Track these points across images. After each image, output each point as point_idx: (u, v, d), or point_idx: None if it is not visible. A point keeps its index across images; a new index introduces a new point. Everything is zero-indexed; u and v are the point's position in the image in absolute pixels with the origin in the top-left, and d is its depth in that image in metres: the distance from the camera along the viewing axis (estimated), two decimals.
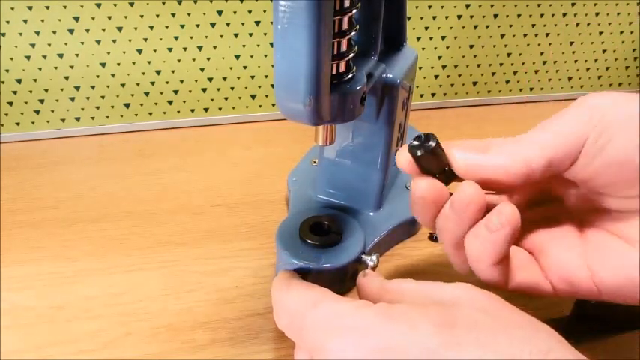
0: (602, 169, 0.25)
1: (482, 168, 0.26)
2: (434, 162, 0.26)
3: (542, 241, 0.29)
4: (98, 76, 0.54)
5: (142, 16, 0.51)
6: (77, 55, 0.52)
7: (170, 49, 0.54)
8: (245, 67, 0.57)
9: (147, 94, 0.56)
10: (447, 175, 0.27)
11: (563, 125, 0.26)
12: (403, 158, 0.27)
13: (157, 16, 0.52)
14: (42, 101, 0.54)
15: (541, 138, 0.26)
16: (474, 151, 0.26)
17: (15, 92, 0.53)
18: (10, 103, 0.54)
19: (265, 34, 0.55)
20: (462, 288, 0.24)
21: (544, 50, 0.63)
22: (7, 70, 0.52)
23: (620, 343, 0.33)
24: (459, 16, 0.58)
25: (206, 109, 0.59)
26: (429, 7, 0.57)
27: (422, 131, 0.27)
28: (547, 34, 0.62)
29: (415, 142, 0.26)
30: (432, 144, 0.26)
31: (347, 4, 0.27)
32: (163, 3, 0.51)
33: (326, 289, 0.27)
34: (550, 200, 0.30)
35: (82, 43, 0.52)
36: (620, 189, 0.25)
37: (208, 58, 0.55)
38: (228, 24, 0.54)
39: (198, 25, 0.53)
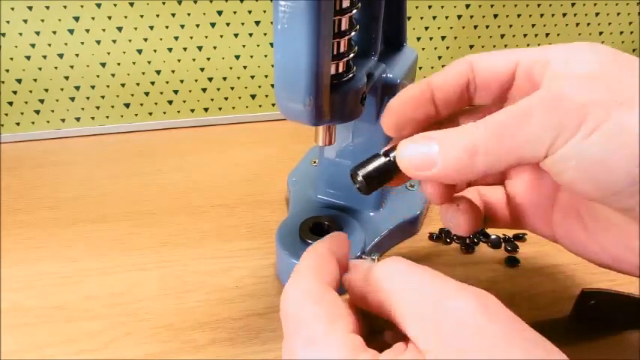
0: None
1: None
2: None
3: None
4: (98, 76, 0.54)
5: (141, 16, 0.51)
6: (77, 55, 0.52)
7: (170, 49, 0.54)
8: (245, 67, 0.57)
9: (147, 94, 0.56)
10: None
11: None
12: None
13: (157, 16, 0.52)
14: (42, 101, 0.54)
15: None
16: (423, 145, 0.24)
17: (15, 92, 0.53)
18: (10, 103, 0.54)
19: (265, 34, 0.55)
20: (469, 294, 0.20)
21: None
22: (7, 70, 0.52)
23: (620, 343, 0.33)
24: (459, 16, 0.58)
25: (206, 109, 0.59)
26: (429, 7, 0.57)
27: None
28: (547, 34, 0.62)
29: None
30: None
31: (347, 4, 0.27)
32: (163, 3, 0.51)
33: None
34: None
35: (82, 43, 0.52)
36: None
37: (208, 58, 0.55)
38: (228, 24, 0.54)
39: (198, 25, 0.53)
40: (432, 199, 0.27)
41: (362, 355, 0.20)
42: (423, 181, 0.26)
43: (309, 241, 0.36)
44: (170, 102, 0.57)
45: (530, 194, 0.28)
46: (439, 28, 0.59)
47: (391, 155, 0.25)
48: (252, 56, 0.56)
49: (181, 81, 0.56)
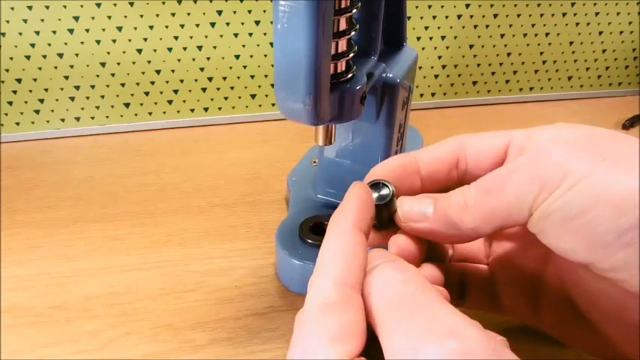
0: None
1: (421, 232, 0.25)
2: (387, 211, 0.25)
3: None
4: (98, 76, 0.54)
5: (141, 16, 0.51)
6: (77, 55, 0.52)
7: (170, 49, 0.54)
8: (245, 67, 0.57)
9: (147, 94, 0.56)
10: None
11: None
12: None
13: (157, 16, 0.52)
14: (42, 101, 0.54)
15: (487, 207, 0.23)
16: (422, 206, 0.24)
17: (15, 92, 0.53)
18: (10, 103, 0.54)
19: (265, 34, 0.55)
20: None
21: (544, 50, 0.63)
22: (7, 70, 0.52)
23: None
24: (459, 16, 0.58)
25: (206, 109, 0.59)
26: (429, 7, 0.57)
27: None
28: (547, 34, 0.62)
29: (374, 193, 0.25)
30: (388, 192, 0.25)
31: (347, 4, 0.27)
32: (163, 3, 0.51)
33: None
34: None
35: (82, 43, 0.52)
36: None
37: (208, 58, 0.55)
38: (228, 24, 0.54)
39: (198, 25, 0.53)
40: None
41: None
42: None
43: (309, 241, 0.36)
44: (170, 102, 0.57)
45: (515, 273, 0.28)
46: (439, 28, 0.59)
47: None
48: (252, 56, 0.56)
49: (181, 81, 0.56)
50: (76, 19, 0.50)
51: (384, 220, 0.25)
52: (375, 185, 0.25)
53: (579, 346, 0.27)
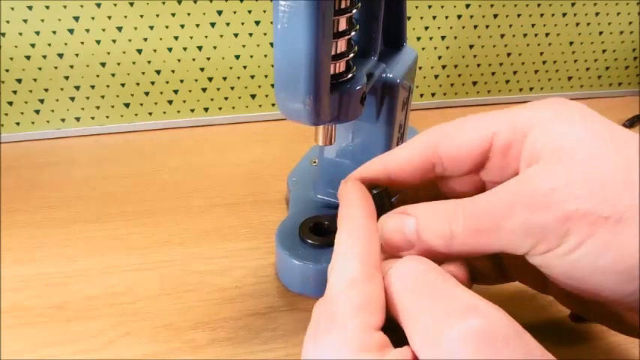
0: None
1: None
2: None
3: None
4: (98, 76, 0.54)
5: (141, 16, 0.51)
6: (77, 55, 0.52)
7: (170, 49, 0.54)
8: (245, 67, 0.57)
9: (147, 94, 0.56)
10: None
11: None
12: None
13: (157, 16, 0.52)
14: (42, 101, 0.54)
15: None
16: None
17: (15, 92, 0.53)
18: (10, 103, 0.54)
19: (265, 34, 0.55)
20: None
21: (544, 50, 0.63)
22: (7, 70, 0.52)
23: (620, 343, 0.33)
24: (459, 16, 0.58)
25: (206, 109, 0.59)
26: (429, 7, 0.57)
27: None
28: (547, 34, 0.62)
29: None
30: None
31: (347, 4, 0.27)
32: (163, 3, 0.51)
33: None
34: None
35: (82, 43, 0.52)
36: None
37: (208, 58, 0.55)
38: (228, 24, 0.54)
39: (198, 25, 0.53)
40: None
41: (364, 355, 0.19)
42: None
43: (309, 241, 0.36)
44: (170, 102, 0.57)
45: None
46: (439, 28, 0.59)
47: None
48: (252, 56, 0.56)
49: (181, 81, 0.56)
50: (76, 19, 0.50)
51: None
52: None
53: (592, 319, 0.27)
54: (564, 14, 0.60)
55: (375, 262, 0.22)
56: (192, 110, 0.58)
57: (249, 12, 0.53)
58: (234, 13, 0.53)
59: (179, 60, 0.55)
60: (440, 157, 0.24)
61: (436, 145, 0.24)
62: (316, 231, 0.37)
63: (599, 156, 0.20)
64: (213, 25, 0.53)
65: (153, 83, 0.56)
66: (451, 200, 0.22)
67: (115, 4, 0.50)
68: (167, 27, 0.53)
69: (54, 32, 0.51)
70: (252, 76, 0.58)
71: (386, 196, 0.25)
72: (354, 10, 0.27)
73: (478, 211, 0.21)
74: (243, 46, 0.55)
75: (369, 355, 0.19)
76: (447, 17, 0.58)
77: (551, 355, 0.18)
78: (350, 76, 0.29)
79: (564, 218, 0.19)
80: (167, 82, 0.56)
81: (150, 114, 0.57)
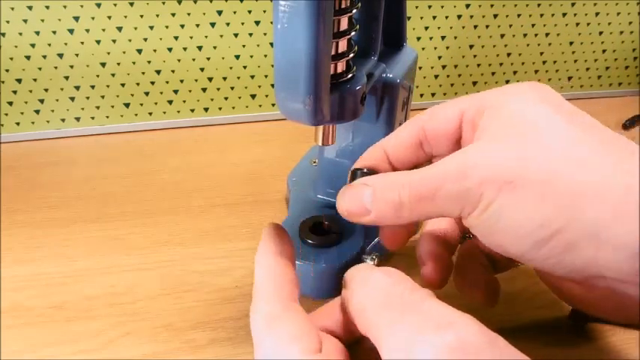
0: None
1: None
2: None
3: None
4: (98, 76, 0.54)
5: (141, 16, 0.51)
6: (77, 55, 0.52)
7: (170, 49, 0.54)
8: (245, 67, 0.57)
9: (147, 94, 0.56)
10: None
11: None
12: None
13: (157, 16, 0.52)
14: (42, 101, 0.54)
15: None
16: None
17: (15, 92, 0.53)
18: (10, 103, 0.54)
19: (265, 34, 0.55)
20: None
21: (544, 50, 0.63)
22: (7, 70, 0.52)
23: (620, 343, 0.33)
24: (459, 16, 0.58)
25: (206, 109, 0.59)
26: (429, 7, 0.57)
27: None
28: (547, 34, 0.62)
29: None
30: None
31: (347, 4, 0.27)
32: (163, 3, 0.51)
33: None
34: None
35: (82, 43, 0.52)
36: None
37: (208, 58, 0.55)
38: (228, 24, 0.54)
39: (198, 25, 0.53)
40: (385, 245, 0.29)
41: None
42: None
43: (309, 241, 0.36)
44: (170, 102, 0.57)
45: None
46: (439, 28, 0.59)
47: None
48: (252, 56, 0.56)
49: (181, 81, 0.56)
50: (76, 19, 0.50)
51: None
52: (354, 172, 0.28)
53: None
54: (564, 14, 0.60)
55: (289, 293, 0.23)
56: (192, 110, 0.58)
57: (249, 12, 0.53)
58: (234, 13, 0.53)
59: (179, 60, 0.55)
60: (425, 135, 0.27)
61: (423, 123, 0.27)
62: (316, 231, 0.37)
63: (526, 135, 0.22)
64: (213, 25, 0.53)
65: (153, 83, 0.56)
66: (403, 172, 0.25)
67: (115, 4, 0.50)
68: (167, 27, 0.53)
69: (54, 32, 0.51)
70: (252, 76, 0.58)
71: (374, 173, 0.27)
72: (354, 10, 0.27)
73: (420, 181, 0.24)
74: (243, 46, 0.55)
75: None
76: (447, 17, 0.58)
77: (526, 356, 0.18)
78: (350, 76, 0.29)
79: (479, 183, 0.22)
80: (167, 82, 0.56)
81: (150, 114, 0.57)
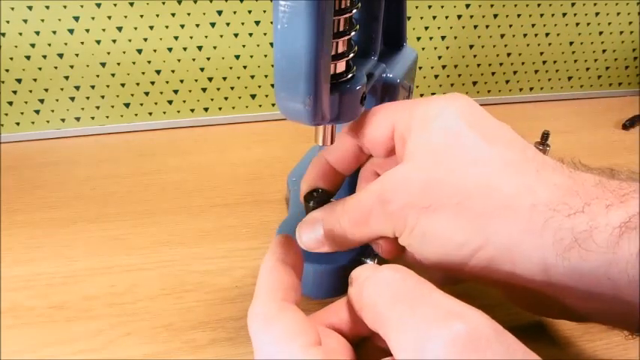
0: None
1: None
2: None
3: None
4: (98, 76, 0.54)
5: (141, 16, 0.52)
6: (77, 55, 0.52)
7: (170, 49, 0.54)
8: (245, 67, 0.57)
9: (147, 94, 0.56)
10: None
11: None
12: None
13: (157, 16, 0.52)
14: (42, 101, 0.54)
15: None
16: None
17: (15, 92, 0.53)
18: (10, 103, 0.54)
19: (265, 34, 0.55)
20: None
21: (544, 50, 0.63)
22: (7, 70, 0.52)
23: (620, 343, 0.33)
24: (459, 16, 0.58)
25: (206, 109, 0.59)
26: (429, 7, 0.57)
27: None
28: (547, 34, 0.62)
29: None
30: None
31: (347, 4, 0.27)
32: (163, 3, 0.51)
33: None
34: None
35: (82, 43, 0.52)
36: None
37: (208, 58, 0.55)
38: (228, 24, 0.54)
39: (198, 25, 0.53)
40: (382, 255, 0.29)
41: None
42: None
43: None
44: (170, 102, 0.57)
45: None
46: (439, 28, 0.59)
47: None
48: (252, 56, 0.56)
49: (181, 81, 0.56)
50: (76, 19, 0.50)
51: None
52: (310, 194, 0.30)
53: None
54: (564, 14, 0.60)
55: (284, 295, 0.24)
56: (192, 110, 0.58)
57: (249, 12, 0.53)
58: (234, 13, 0.53)
59: (179, 60, 0.55)
60: (362, 142, 0.29)
61: (358, 129, 0.29)
62: None
63: (442, 159, 0.24)
64: (213, 25, 0.53)
65: (153, 83, 0.56)
66: (341, 200, 0.27)
67: (115, 4, 0.50)
68: (167, 27, 0.53)
69: (54, 32, 0.51)
70: (252, 76, 0.58)
71: (325, 196, 0.30)
72: (354, 10, 0.27)
73: (354, 208, 0.26)
74: (243, 46, 0.55)
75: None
76: (447, 17, 0.58)
77: (535, 354, 0.19)
78: (350, 76, 0.29)
79: (401, 208, 0.24)
80: (167, 82, 0.56)
81: (150, 114, 0.57)
